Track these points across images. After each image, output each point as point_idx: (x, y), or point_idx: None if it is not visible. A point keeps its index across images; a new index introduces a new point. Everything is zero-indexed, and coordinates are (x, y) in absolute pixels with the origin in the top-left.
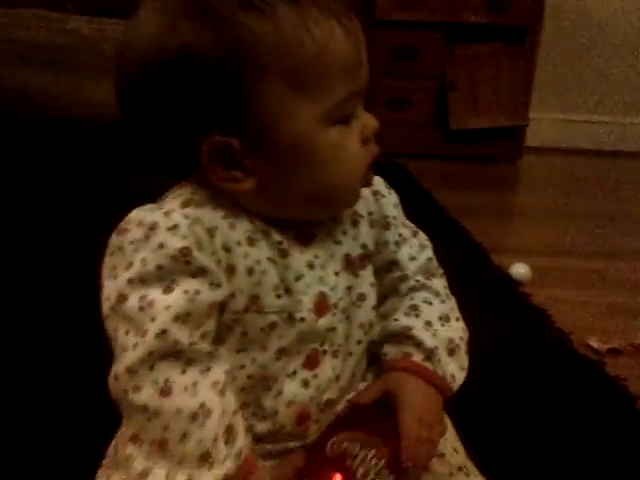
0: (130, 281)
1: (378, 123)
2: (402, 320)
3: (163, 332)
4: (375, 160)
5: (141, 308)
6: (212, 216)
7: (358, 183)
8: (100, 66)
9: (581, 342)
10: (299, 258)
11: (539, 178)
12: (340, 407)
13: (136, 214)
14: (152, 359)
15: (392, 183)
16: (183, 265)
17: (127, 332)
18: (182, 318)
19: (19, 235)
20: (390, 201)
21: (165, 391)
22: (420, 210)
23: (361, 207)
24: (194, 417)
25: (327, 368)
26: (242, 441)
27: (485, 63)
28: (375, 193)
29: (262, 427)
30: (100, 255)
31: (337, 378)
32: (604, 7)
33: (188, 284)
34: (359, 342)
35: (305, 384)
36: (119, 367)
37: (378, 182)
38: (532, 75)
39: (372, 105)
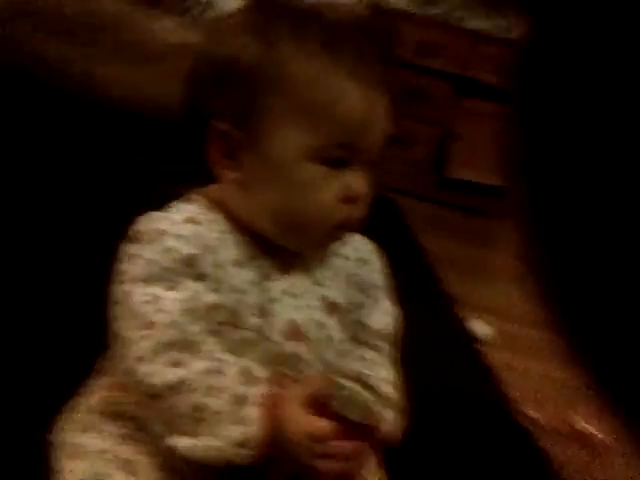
0: (135, 279)
1: (365, 191)
2: (356, 366)
3: (172, 323)
4: (351, 223)
5: (147, 302)
6: (209, 235)
7: (325, 229)
8: (116, 47)
9: (518, 408)
10: (277, 284)
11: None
12: None
13: (145, 224)
14: (161, 348)
15: (377, 216)
16: (187, 269)
17: (132, 327)
18: (187, 312)
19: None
20: (374, 268)
21: (178, 363)
22: (397, 248)
23: (344, 267)
24: (211, 372)
25: None
26: (261, 372)
27: (491, 121)
28: (359, 259)
29: None
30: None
31: None
32: None
33: (190, 285)
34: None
35: None
36: (128, 361)
37: (365, 248)
38: None
39: None
